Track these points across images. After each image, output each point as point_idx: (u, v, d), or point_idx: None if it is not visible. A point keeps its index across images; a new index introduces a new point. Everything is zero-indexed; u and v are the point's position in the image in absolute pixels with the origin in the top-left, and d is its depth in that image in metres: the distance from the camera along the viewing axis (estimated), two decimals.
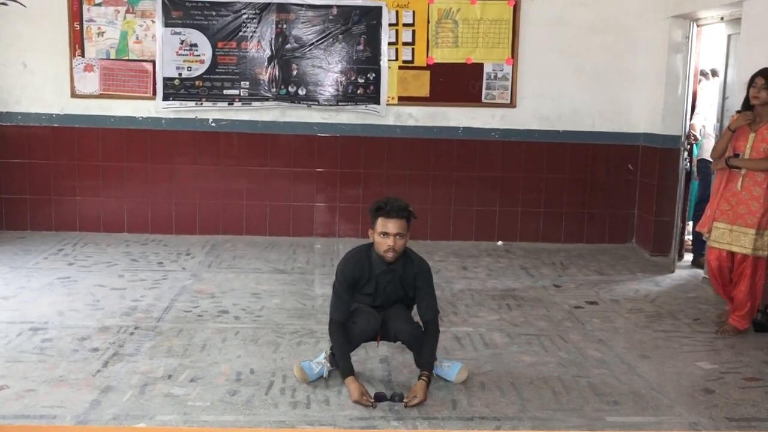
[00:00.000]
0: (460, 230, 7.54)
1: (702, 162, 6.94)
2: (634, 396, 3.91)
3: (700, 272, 6.51)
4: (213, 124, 7.28)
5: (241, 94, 7.20)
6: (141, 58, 7.12)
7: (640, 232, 7.53)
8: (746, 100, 4.93)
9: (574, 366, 4.31)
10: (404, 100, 7.30)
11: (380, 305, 3.95)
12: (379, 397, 3.72)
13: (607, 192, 7.59)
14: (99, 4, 7.03)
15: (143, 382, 3.87)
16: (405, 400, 3.68)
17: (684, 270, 6.71)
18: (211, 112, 7.24)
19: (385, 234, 3.74)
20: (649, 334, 4.93)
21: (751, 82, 4.85)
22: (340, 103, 7.25)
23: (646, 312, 5.44)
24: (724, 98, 6.57)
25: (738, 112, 5.04)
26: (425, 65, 7.27)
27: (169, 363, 4.14)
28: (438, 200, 7.48)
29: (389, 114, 7.32)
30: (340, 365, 3.80)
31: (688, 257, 7.02)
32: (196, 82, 7.15)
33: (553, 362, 4.36)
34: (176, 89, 7.14)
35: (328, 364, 3.98)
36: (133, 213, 7.35)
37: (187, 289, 5.61)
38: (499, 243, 7.53)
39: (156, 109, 7.19)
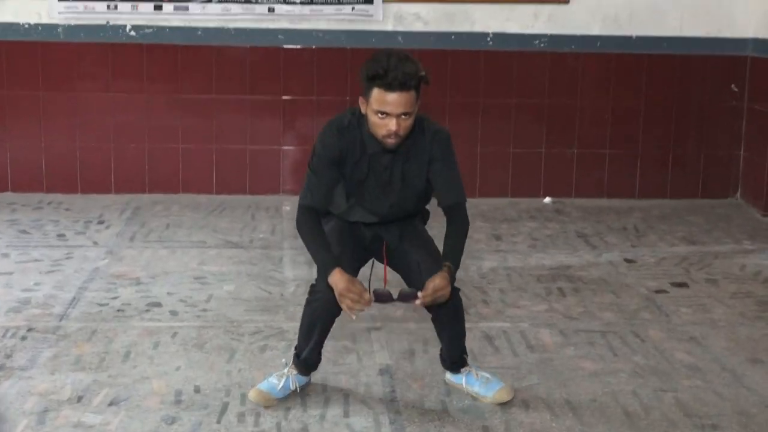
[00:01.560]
0: (491, 183, 7.55)
1: None
2: (740, 416, 3.93)
3: None
4: (132, 33, 7.23)
5: None
6: None
7: (748, 182, 7.54)
8: None
9: (655, 375, 4.33)
10: None
11: (374, 210, 3.91)
12: (381, 296, 3.72)
13: (702, 125, 7.58)
14: None
15: (42, 406, 3.87)
16: (418, 299, 3.64)
17: None
18: (130, 16, 7.18)
19: (385, 114, 3.67)
20: (762, 329, 4.95)
21: None
22: (315, 1, 7.20)
23: (758, 297, 5.46)
24: None
25: None
26: None
27: (78, 379, 4.14)
28: (459, 139, 7.33)
29: (387, 15, 7.27)
30: (319, 260, 3.75)
31: None
32: None
33: (626, 370, 4.38)
34: None
35: (295, 371, 4.00)
36: (19, 164, 7.33)
37: (100, 272, 5.61)
38: (547, 200, 7.55)
39: (49, 12, 7.13)
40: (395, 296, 3.72)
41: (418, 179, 3.89)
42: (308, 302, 3.90)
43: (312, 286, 3.88)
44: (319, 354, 4.03)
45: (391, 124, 3.64)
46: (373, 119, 3.69)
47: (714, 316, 5.13)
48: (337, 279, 3.62)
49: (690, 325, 5.00)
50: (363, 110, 3.77)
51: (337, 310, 3.79)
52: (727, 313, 5.19)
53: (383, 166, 3.83)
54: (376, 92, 3.64)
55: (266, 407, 3.91)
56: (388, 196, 3.89)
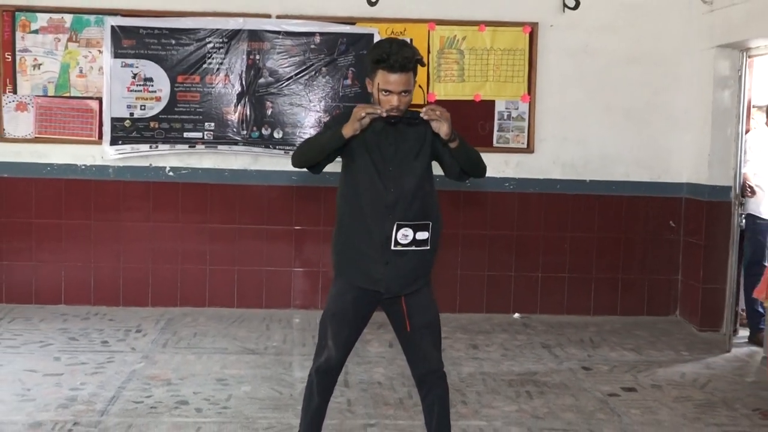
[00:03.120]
0: (469, 301, 7.57)
1: (750, 218, 6.90)
2: None
3: (760, 351, 6.53)
4: (170, 173, 7.34)
5: (205, 137, 7.28)
6: (85, 95, 7.22)
7: (685, 302, 7.56)
8: None
9: None
10: None
11: (383, 180, 3.86)
12: (392, 116, 3.72)
13: (645, 254, 7.65)
14: (36, 32, 7.15)
15: None
16: (422, 111, 3.63)
17: (740, 348, 6.73)
18: (169, 158, 7.32)
19: (388, 92, 3.74)
20: (701, 429, 4.93)
21: None
22: None
23: (696, 400, 5.45)
24: None
25: None
26: (425, 103, 7.38)
27: None
28: (442, 264, 7.47)
29: None
30: (327, 136, 3.76)
31: (744, 333, 7.04)
32: (151, 123, 7.24)
33: None
34: (127, 131, 7.22)
35: None
36: (71, 281, 7.35)
37: (137, 374, 5.59)
38: (516, 316, 7.55)
39: (102, 155, 7.25)
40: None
41: (423, 145, 3.86)
42: (308, 381, 3.94)
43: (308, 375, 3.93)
44: None
45: (394, 100, 3.74)
46: (378, 96, 3.78)
47: (659, 417, 5.11)
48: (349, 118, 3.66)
49: (639, 425, 4.97)
50: (369, 89, 3.85)
51: (332, 379, 3.89)
52: (671, 414, 5.17)
53: (388, 142, 3.84)
54: (380, 74, 3.74)
55: None
56: (394, 166, 3.86)
